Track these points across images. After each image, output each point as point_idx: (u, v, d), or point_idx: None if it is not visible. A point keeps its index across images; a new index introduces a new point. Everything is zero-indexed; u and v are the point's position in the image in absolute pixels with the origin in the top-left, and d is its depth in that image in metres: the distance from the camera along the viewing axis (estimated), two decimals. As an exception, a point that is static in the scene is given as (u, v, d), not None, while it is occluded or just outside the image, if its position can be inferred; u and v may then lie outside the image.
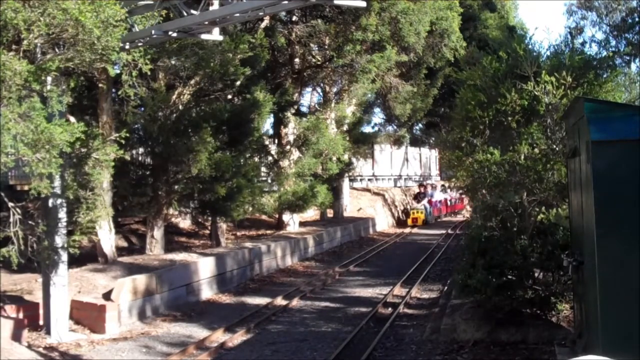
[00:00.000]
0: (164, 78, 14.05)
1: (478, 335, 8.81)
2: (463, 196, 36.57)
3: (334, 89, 23.50)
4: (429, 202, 33.19)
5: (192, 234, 19.69)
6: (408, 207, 34.22)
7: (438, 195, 35.12)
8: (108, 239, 12.88)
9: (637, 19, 23.45)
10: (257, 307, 12.30)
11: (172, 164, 14.13)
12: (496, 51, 9.21)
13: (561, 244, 7.99)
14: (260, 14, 9.53)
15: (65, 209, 9.98)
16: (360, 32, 18.63)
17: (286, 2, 8.43)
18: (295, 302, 12.67)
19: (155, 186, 14.34)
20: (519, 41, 8.75)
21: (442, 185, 36.28)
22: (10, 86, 7.87)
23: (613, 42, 23.96)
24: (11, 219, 9.08)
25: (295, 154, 19.78)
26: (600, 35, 24.91)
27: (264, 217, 21.93)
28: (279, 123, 20.90)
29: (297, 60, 21.07)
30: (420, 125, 40.34)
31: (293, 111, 20.76)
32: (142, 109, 13.97)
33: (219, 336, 10.16)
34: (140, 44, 10.05)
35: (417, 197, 34.06)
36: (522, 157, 8.39)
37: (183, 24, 9.27)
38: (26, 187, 10.69)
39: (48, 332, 9.92)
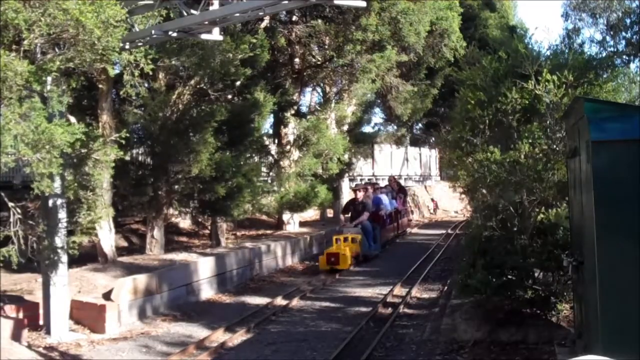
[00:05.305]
0: (164, 78, 14.06)
1: (478, 335, 8.81)
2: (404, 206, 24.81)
3: (334, 89, 23.47)
4: (376, 217, 19.24)
5: (192, 234, 19.67)
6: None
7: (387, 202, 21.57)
8: (108, 239, 12.88)
9: (635, 19, 23.42)
10: (257, 306, 12.30)
11: (172, 164, 14.13)
12: (496, 51, 9.22)
13: (561, 244, 7.98)
14: (260, 14, 9.53)
15: (65, 209, 9.99)
16: (360, 32, 18.62)
17: (286, 2, 8.45)
18: (295, 302, 12.67)
19: (155, 186, 14.33)
20: (520, 40, 8.75)
21: (377, 185, 24.15)
22: (10, 86, 7.87)
23: (611, 42, 23.96)
24: (11, 219, 9.10)
25: (296, 154, 19.78)
26: (598, 36, 24.93)
27: (264, 217, 21.92)
28: (279, 123, 20.90)
29: (297, 60, 21.07)
30: (420, 125, 40.34)
31: (293, 111, 20.76)
32: (143, 109, 13.99)
33: (219, 336, 10.16)
34: (140, 44, 10.05)
35: (351, 209, 19.25)
36: (523, 157, 8.38)
37: (183, 24, 9.28)
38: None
39: (48, 332, 9.92)
